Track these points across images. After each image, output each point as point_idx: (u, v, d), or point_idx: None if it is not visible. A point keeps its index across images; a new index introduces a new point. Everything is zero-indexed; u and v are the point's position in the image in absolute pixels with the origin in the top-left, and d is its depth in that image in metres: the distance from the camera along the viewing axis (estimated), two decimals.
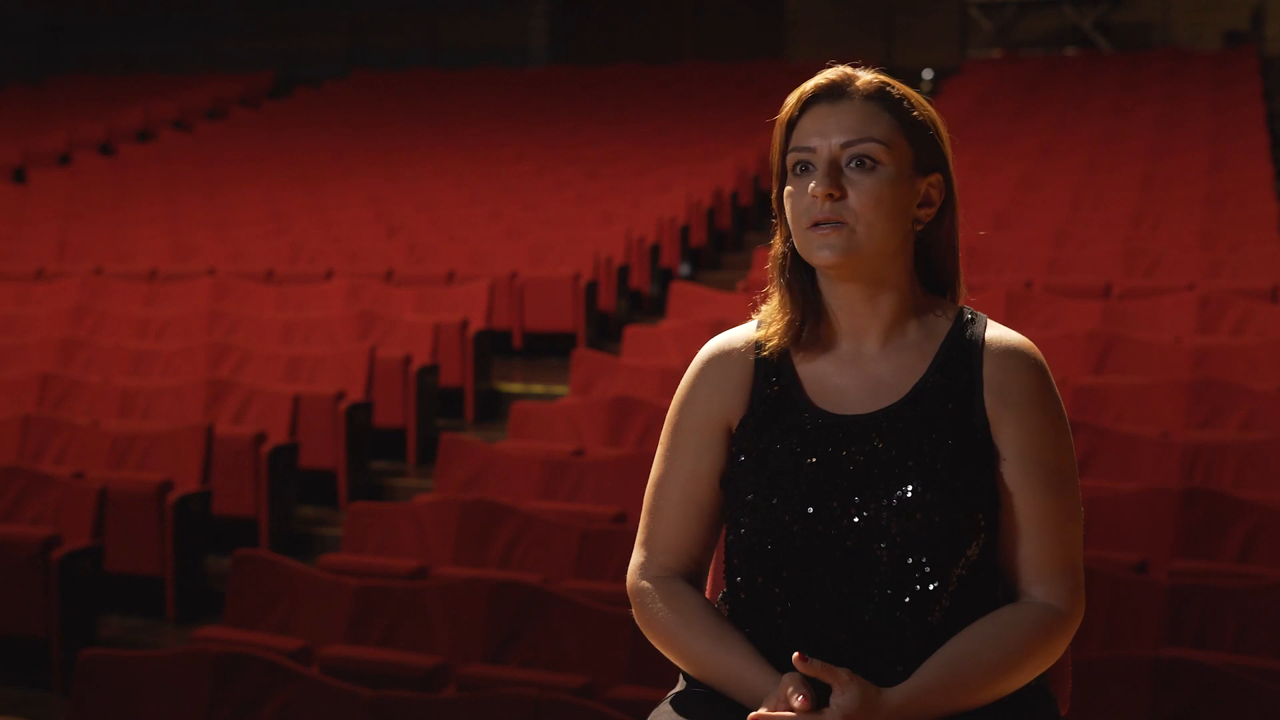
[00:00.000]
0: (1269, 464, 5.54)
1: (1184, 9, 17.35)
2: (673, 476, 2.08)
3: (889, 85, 2.02)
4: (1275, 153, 11.57)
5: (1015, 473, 1.97)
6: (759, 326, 2.09)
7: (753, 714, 1.86)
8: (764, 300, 2.11)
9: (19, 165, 14.56)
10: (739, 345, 2.08)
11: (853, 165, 1.97)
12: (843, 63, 2.07)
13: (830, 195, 1.95)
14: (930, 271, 2.08)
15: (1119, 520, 4.96)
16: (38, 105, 17.17)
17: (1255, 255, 8.40)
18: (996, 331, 2.03)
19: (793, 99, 2.04)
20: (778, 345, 2.05)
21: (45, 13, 20.55)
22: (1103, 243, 8.98)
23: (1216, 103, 12.80)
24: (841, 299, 2.03)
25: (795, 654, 1.86)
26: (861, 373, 2.02)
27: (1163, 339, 7.11)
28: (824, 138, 1.98)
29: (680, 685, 2.07)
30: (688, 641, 2.00)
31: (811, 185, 1.97)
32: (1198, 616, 4.20)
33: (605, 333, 9.60)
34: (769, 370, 2.05)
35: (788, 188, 2.01)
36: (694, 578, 2.08)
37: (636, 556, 2.10)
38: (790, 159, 2.01)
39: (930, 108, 2.04)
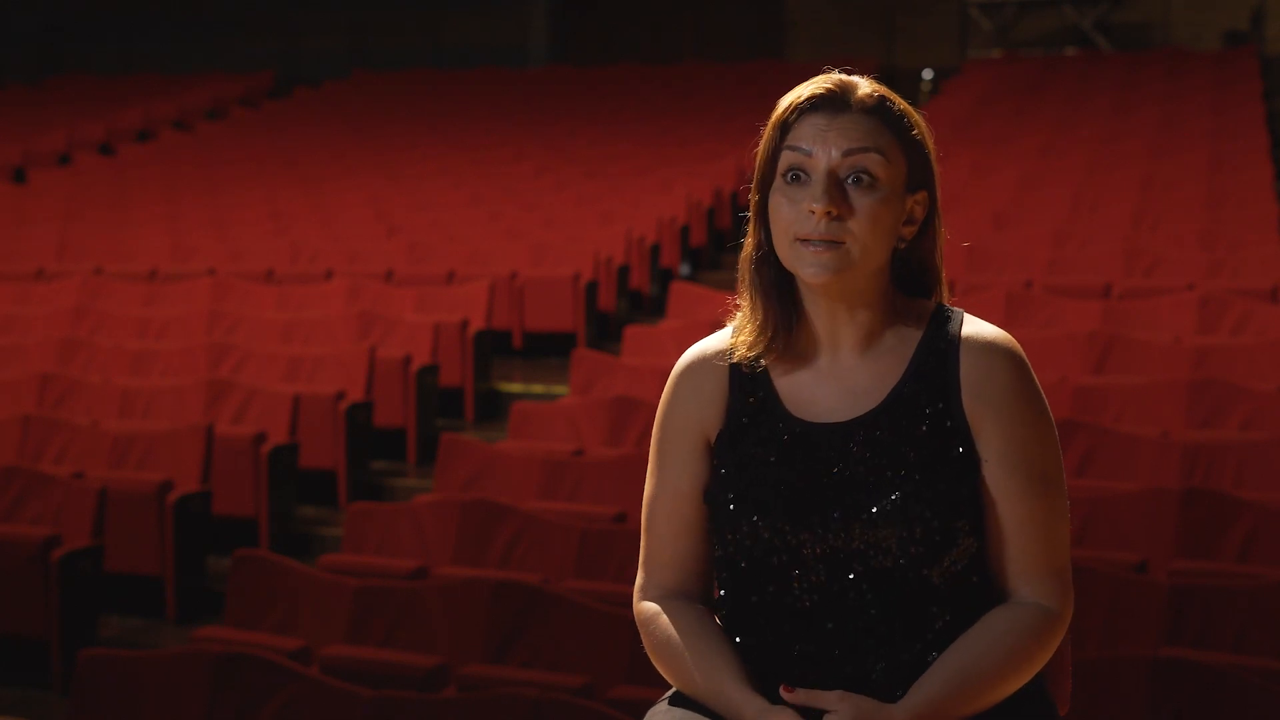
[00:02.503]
0: (1269, 464, 5.54)
1: (1184, 9, 17.35)
2: (661, 494, 2.06)
3: (888, 100, 1.97)
4: (1275, 153, 11.57)
5: (997, 474, 1.94)
6: (733, 334, 2.05)
7: None
8: (737, 306, 2.07)
9: (19, 165, 14.56)
10: (713, 356, 2.05)
11: (851, 182, 1.92)
12: (838, 66, 2.02)
13: (829, 213, 1.90)
14: (911, 279, 2.04)
15: (1119, 520, 4.95)
16: (38, 105, 17.16)
17: (1255, 255, 8.40)
18: (973, 328, 1.98)
19: (787, 101, 1.98)
20: (751, 353, 2.01)
21: (45, 13, 20.55)
22: (1103, 243, 8.98)
23: (1216, 103, 12.80)
24: (818, 309, 1.99)
25: (781, 686, 1.83)
26: (838, 381, 1.99)
27: (1163, 339, 7.10)
28: (823, 148, 1.92)
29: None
30: (677, 663, 1.99)
31: (810, 200, 1.91)
32: (1198, 616, 4.20)
33: (605, 333, 9.60)
34: (745, 380, 2.02)
35: (775, 195, 1.96)
36: (694, 592, 2.06)
37: (638, 577, 2.10)
38: (783, 162, 1.95)
39: (923, 122, 2.00)
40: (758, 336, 2.01)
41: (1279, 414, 6.07)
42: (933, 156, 2.00)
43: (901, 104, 1.99)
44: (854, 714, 1.83)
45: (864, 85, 1.98)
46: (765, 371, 2.02)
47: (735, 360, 2.03)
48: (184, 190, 12.94)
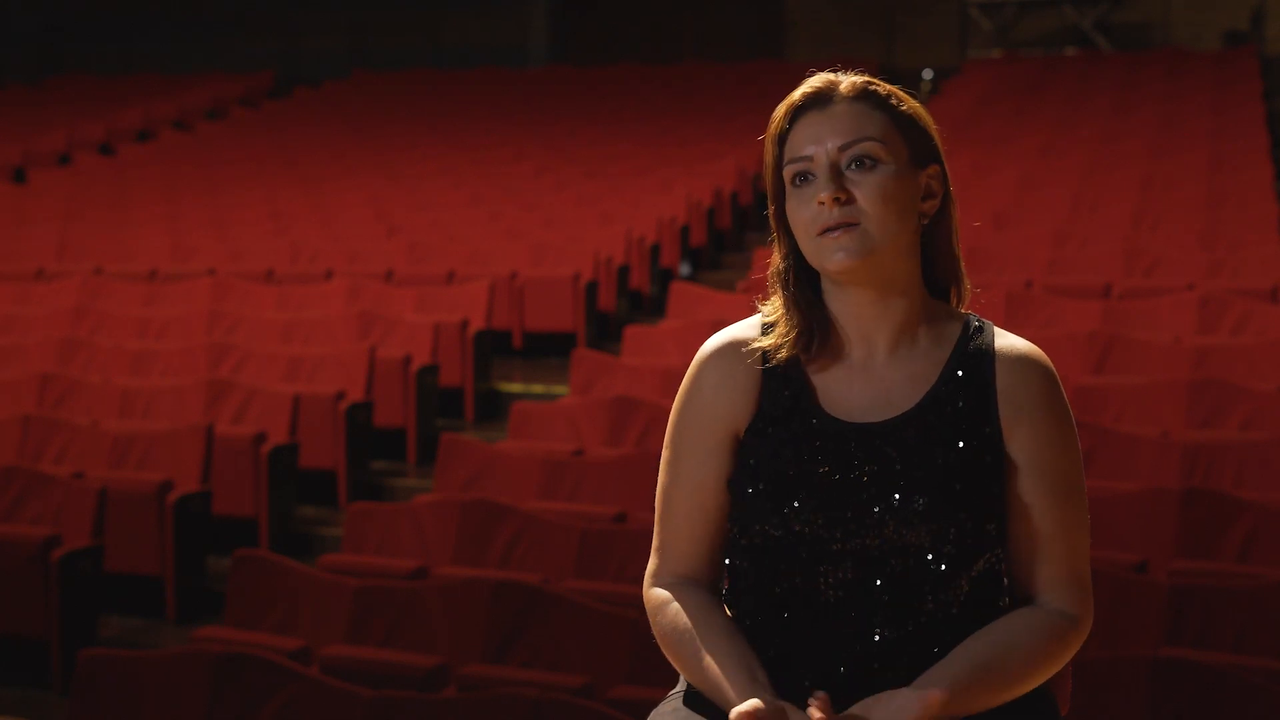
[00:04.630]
0: (1269, 464, 5.54)
1: (1184, 9, 17.35)
2: (680, 483, 2.06)
3: (872, 84, 2.01)
4: (1275, 153, 11.57)
5: (1027, 483, 1.96)
6: (763, 331, 2.05)
7: None
8: (766, 299, 2.08)
9: (19, 165, 14.56)
10: (744, 345, 2.05)
11: (853, 167, 1.95)
12: (830, 68, 2.05)
13: (837, 199, 1.93)
14: (933, 274, 2.06)
15: (1119, 520, 4.95)
16: (38, 105, 17.16)
17: (1255, 255, 8.40)
18: (1006, 340, 2.02)
19: (780, 112, 2.02)
20: (787, 355, 2.02)
21: (45, 13, 20.55)
22: (1103, 243, 8.98)
23: (1216, 103, 12.80)
24: (850, 305, 2.01)
25: (812, 705, 1.82)
26: (872, 381, 2.01)
27: (1163, 339, 7.10)
28: (819, 144, 1.96)
29: (681, 684, 2.07)
30: (683, 651, 1.99)
31: (816, 193, 1.95)
32: (1198, 616, 4.20)
33: (605, 333, 9.60)
34: (778, 374, 2.02)
35: (789, 201, 1.99)
36: (706, 581, 2.06)
37: (650, 563, 2.10)
38: (788, 171, 1.99)
39: (915, 101, 2.04)
40: (795, 341, 2.02)
41: (1279, 414, 6.07)
42: (933, 131, 2.03)
43: (888, 87, 2.03)
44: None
45: (848, 78, 2.03)
46: (800, 369, 2.03)
47: (770, 362, 2.03)
48: (184, 190, 12.94)
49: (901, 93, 2.03)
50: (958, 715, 1.86)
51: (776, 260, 2.06)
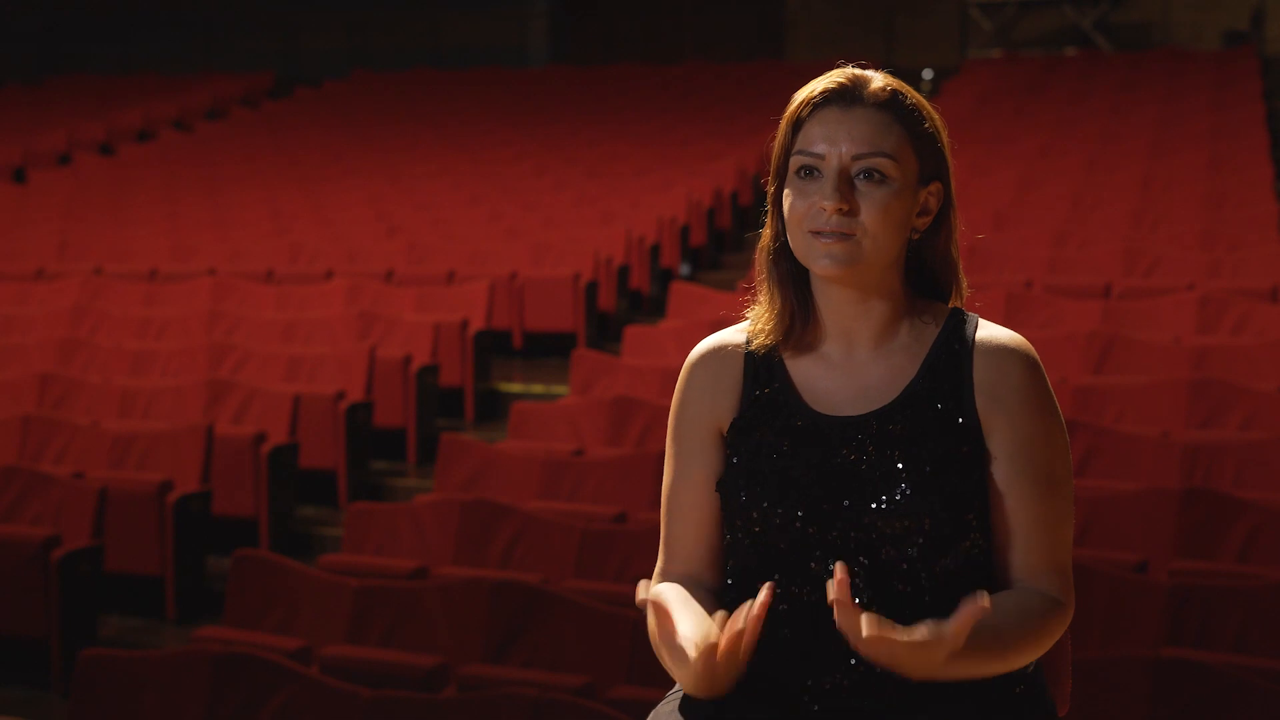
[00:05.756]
0: (1269, 464, 5.54)
1: (1184, 9, 17.37)
2: (677, 483, 2.07)
3: (901, 93, 1.98)
4: (1275, 153, 11.57)
5: (1006, 474, 1.95)
6: (751, 323, 2.07)
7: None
8: (754, 299, 2.09)
9: (19, 165, 14.57)
10: (728, 347, 2.07)
11: (862, 177, 1.94)
12: (850, 63, 2.03)
13: (840, 209, 1.92)
14: (927, 276, 2.06)
15: (1119, 520, 4.95)
16: (38, 105, 17.16)
17: (1255, 255, 8.40)
18: (988, 331, 2.01)
19: (801, 97, 1.99)
20: (767, 342, 2.03)
21: (45, 13, 20.56)
22: (1103, 243, 8.98)
23: (1216, 103, 12.81)
24: (832, 301, 2.01)
25: (838, 564, 1.78)
26: (852, 375, 2.01)
27: (1163, 339, 7.11)
28: (833, 145, 1.94)
29: (679, 684, 2.07)
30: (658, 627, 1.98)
31: (820, 197, 1.93)
32: (1198, 616, 4.20)
33: (605, 333, 9.60)
34: (759, 371, 2.03)
35: (788, 188, 1.98)
36: (708, 580, 2.07)
37: (657, 563, 2.12)
38: (795, 161, 1.97)
39: (937, 115, 2.01)
40: (775, 325, 2.03)
41: (1279, 414, 6.07)
42: (946, 149, 2.02)
43: (914, 96, 2.00)
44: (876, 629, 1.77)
45: (877, 79, 1.99)
46: (780, 363, 2.04)
47: (752, 349, 2.04)
48: (184, 190, 12.94)
49: (926, 105, 2.00)
50: (965, 676, 1.84)
51: (766, 238, 2.05)
